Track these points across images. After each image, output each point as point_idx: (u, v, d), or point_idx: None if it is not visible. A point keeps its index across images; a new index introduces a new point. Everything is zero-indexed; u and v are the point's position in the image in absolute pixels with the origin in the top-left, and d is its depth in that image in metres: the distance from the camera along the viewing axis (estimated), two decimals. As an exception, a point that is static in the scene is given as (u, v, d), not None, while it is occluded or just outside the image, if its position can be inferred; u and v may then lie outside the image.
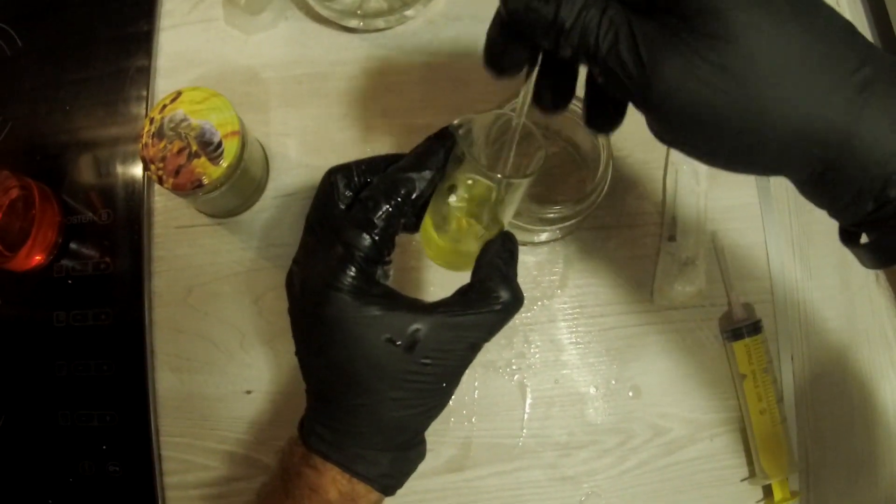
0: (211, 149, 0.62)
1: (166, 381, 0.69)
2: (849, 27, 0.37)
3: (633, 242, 0.71)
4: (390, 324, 0.44)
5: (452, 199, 0.48)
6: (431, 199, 0.48)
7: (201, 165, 0.61)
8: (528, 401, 0.68)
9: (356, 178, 0.48)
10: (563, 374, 0.69)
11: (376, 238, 0.45)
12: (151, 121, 0.62)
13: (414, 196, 0.46)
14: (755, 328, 0.68)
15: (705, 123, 0.36)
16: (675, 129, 0.39)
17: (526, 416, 0.68)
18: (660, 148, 0.72)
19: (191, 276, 0.70)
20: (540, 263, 0.70)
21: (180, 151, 0.62)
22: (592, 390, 0.69)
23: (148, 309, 0.69)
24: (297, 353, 0.49)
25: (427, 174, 0.47)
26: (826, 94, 0.35)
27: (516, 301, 0.47)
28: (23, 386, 0.70)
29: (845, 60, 0.35)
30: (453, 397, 0.66)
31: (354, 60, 0.73)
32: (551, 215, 0.62)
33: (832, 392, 0.71)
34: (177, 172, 0.61)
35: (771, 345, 0.70)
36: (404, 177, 0.46)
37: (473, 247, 0.49)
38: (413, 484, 0.65)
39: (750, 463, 0.69)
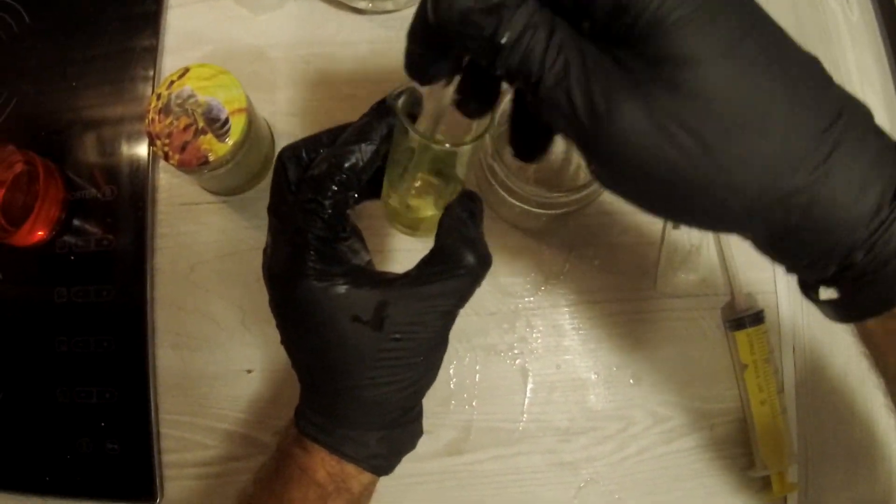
0: (217, 126, 0.62)
1: (167, 359, 0.68)
2: (824, 77, 0.34)
3: (638, 229, 0.71)
4: (355, 302, 0.43)
5: (406, 162, 0.47)
6: (387, 166, 0.48)
7: (207, 142, 0.61)
8: (530, 385, 0.68)
9: (305, 157, 0.47)
10: (564, 360, 0.69)
11: (325, 217, 0.44)
12: (158, 96, 0.62)
13: (359, 169, 0.45)
14: (757, 318, 0.68)
15: (659, 179, 0.33)
16: (624, 181, 0.36)
17: (527, 400, 0.68)
18: (666, 136, 0.72)
19: (194, 253, 0.70)
20: (544, 248, 0.70)
21: (187, 128, 0.61)
22: (594, 376, 0.69)
23: (150, 286, 0.69)
24: (282, 342, 0.49)
25: (369, 146, 0.45)
26: (794, 155, 0.32)
27: (483, 264, 0.46)
28: (22, 361, 0.69)
29: (817, 118, 0.32)
30: (453, 380, 0.67)
31: (362, 41, 0.73)
32: (556, 200, 0.62)
33: (833, 384, 0.71)
34: (182, 149, 0.61)
35: (773, 335, 0.70)
36: (345, 150, 0.45)
37: (432, 210, 0.48)
38: (411, 466, 0.65)
39: (749, 453, 0.68)
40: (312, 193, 0.44)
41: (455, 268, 0.44)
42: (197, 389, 0.68)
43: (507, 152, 0.48)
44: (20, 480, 0.68)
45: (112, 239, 0.70)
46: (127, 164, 0.71)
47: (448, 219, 0.47)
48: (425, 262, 0.45)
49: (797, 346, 0.71)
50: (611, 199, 0.71)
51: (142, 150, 0.71)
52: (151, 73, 0.72)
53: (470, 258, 0.45)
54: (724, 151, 0.32)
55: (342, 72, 0.73)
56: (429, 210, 0.49)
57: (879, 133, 0.35)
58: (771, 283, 0.71)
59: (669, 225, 0.70)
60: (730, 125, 0.32)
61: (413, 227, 0.52)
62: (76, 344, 0.69)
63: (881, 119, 0.75)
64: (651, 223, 0.71)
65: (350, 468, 0.47)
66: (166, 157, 0.61)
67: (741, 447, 0.69)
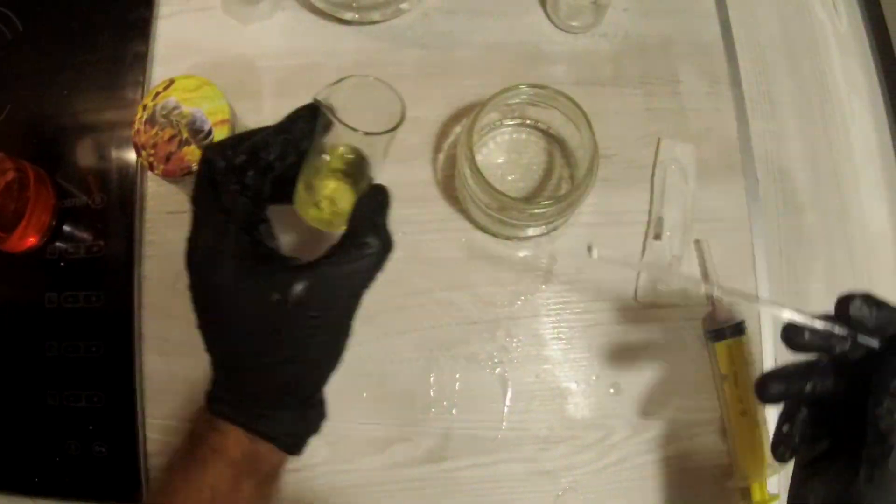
0: (201, 136, 0.63)
1: (153, 364, 0.69)
2: None
3: (619, 241, 0.71)
4: (275, 283, 0.45)
5: (324, 159, 0.51)
6: (304, 166, 0.51)
7: (191, 153, 0.62)
8: (509, 394, 0.69)
9: (229, 152, 0.49)
10: (544, 369, 0.69)
11: (248, 196, 0.48)
12: (144, 107, 0.64)
13: (275, 157, 0.49)
14: (738, 329, 0.68)
15: None
16: None
17: (506, 409, 0.69)
18: (649, 147, 0.73)
19: (181, 261, 0.69)
20: (524, 259, 0.71)
21: (171, 139, 0.63)
22: (573, 386, 0.69)
23: (138, 292, 0.70)
24: (198, 326, 0.50)
25: (286, 137, 0.50)
26: None
27: (385, 246, 0.49)
28: (13, 365, 0.71)
29: None
30: (433, 388, 0.68)
31: (348, 52, 0.74)
32: (536, 211, 0.62)
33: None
34: (167, 159, 0.62)
35: (754, 346, 0.70)
36: (264, 141, 0.49)
37: (347, 205, 0.51)
38: (392, 473, 0.67)
39: (729, 464, 0.69)
40: (235, 180, 0.47)
41: (362, 250, 0.47)
42: (182, 394, 0.69)
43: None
44: (10, 481, 0.70)
45: (102, 246, 0.71)
46: (116, 172, 0.72)
47: (358, 207, 0.50)
48: (337, 247, 0.48)
49: (779, 358, 0.71)
50: (592, 210, 0.71)
51: (131, 157, 0.72)
52: (141, 80, 0.74)
53: (374, 241, 0.48)
54: None
55: (328, 82, 0.73)
56: (342, 205, 0.52)
57: None
58: (753, 294, 0.71)
59: (651, 235, 0.70)
60: None
61: (326, 222, 0.54)
62: (66, 348, 0.70)
63: (867, 127, 0.76)
64: (632, 234, 0.71)
65: (263, 447, 0.48)
66: (151, 168, 0.62)
67: (721, 457, 0.69)
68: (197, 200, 0.49)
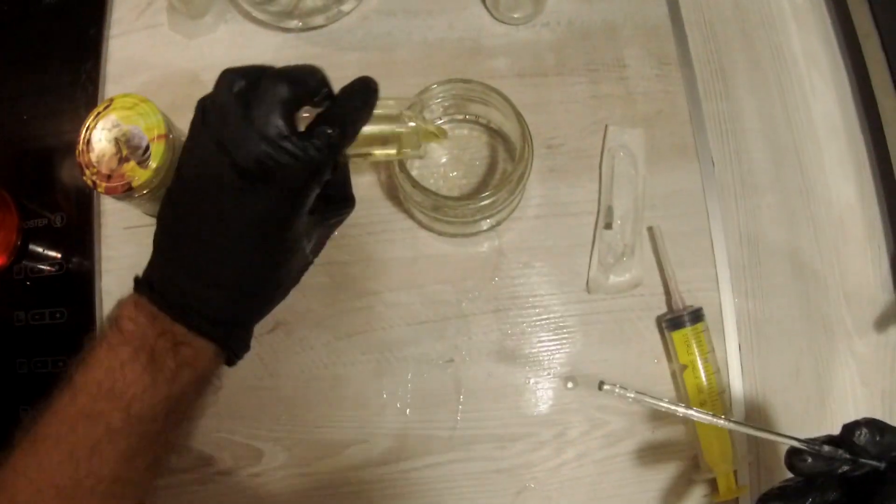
0: (140, 152, 0.64)
1: (117, 377, 0.71)
2: None
3: (569, 232, 0.70)
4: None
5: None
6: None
7: (131, 169, 0.63)
8: (462, 393, 0.68)
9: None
10: (497, 366, 0.68)
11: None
12: (87, 128, 0.65)
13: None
14: (696, 317, 0.66)
15: None
16: None
17: (460, 408, 0.68)
18: (596, 135, 0.71)
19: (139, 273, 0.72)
20: (473, 255, 0.70)
21: (112, 156, 0.64)
22: (528, 382, 0.68)
23: (99, 307, 0.72)
24: (163, 209, 0.53)
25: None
26: None
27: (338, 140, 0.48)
28: (-13, 383, 0.73)
29: None
30: (385, 390, 0.68)
31: (291, 59, 0.72)
32: (473, 205, 0.62)
33: (785, 382, 0.69)
34: (109, 177, 0.64)
35: (716, 334, 0.68)
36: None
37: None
38: (349, 475, 0.67)
39: (695, 455, 0.67)
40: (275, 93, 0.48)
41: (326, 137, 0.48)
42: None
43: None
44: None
45: (64, 263, 0.73)
46: (74, 191, 0.74)
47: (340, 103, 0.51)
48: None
49: (743, 344, 0.69)
50: (540, 202, 0.70)
51: (87, 177, 0.74)
52: (95, 100, 0.75)
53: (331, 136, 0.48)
54: None
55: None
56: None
57: None
58: (713, 280, 0.69)
59: (601, 225, 0.69)
60: None
61: None
62: (35, 365, 0.72)
63: (830, 102, 0.73)
64: (581, 225, 0.70)
65: (198, 341, 0.50)
66: (95, 186, 0.64)
67: (685, 449, 0.67)
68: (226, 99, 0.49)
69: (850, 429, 0.44)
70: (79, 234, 0.73)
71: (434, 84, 0.62)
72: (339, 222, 0.60)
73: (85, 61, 0.76)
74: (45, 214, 0.75)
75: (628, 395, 0.50)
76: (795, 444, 0.45)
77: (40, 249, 0.74)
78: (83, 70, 0.76)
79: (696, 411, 0.50)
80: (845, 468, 0.44)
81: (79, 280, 0.73)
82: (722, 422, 0.50)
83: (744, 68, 0.74)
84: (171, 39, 0.76)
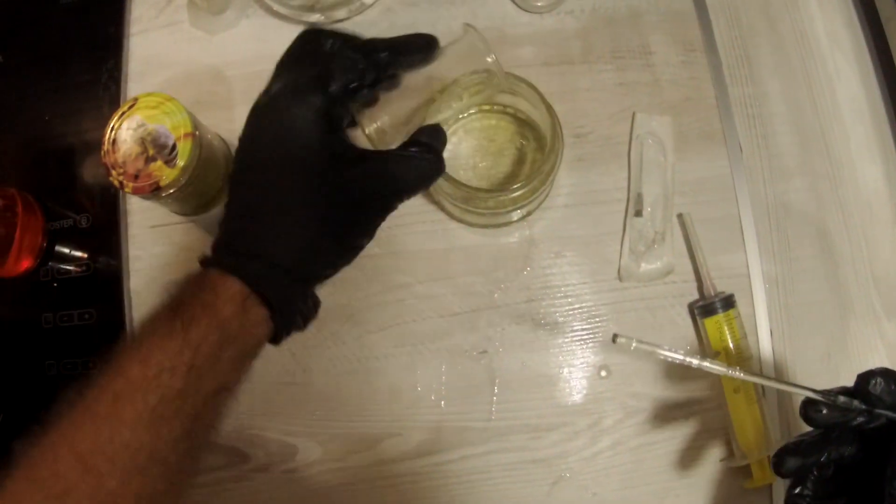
0: (166, 151, 0.63)
1: (148, 376, 0.71)
2: None
3: (599, 220, 0.70)
4: (340, 142, 0.49)
5: None
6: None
7: (158, 168, 0.63)
8: (497, 384, 0.68)
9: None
10: (530, 356, 0.68)
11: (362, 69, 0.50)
12: (112, 128, 0.65)
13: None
14: (728, 303, 0.66)
15: None
16: None
17: (495, 399, 0.68)
18: (624, 123, 0.71)
19: (167, 273, 0.72)
20: (504, 246, 0.70)
21: (138, 156, 0.63)
22: (562, 371, 0.68)
23: (128, 307, 0.72)
24: (235, 168, 0.51)
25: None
26: None
27: (437, 159, 0.52)
28: (15, 386, 0.73)
29: None
30: (420, 383, 0.68)
31: (314, 54, 0.74)
32: (504, 197, 0.62)
33: (816, 367, 0.69)
34: (136, 176, 0.63)
35: (747, 320, 0.68)
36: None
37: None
38: (383, 469, 0.67)
39: (728, 443, 0.67)
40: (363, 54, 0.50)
41: (424, 153, 0.51)
42: (177, 404, 0.70)
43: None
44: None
45: (91, 264, 0.73)
46: (99, 191, 0.74)
47: (422, 129, 0.53)
48: (398, 148, 0.52)
49: (775, 330, 0.69)
50: (569, 191, 0.70)
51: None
52: (117, 99, 0.75)
53: (434, 154, 0.51)
54: None
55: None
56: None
57: None
58: (743, 265, 0.69)
59: (631, 213, 0.69)
60: None
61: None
62: (65, 366, 0.72)
63: (854, 84, 0.73)
64: (612, 213, 0.70)
65: (255, 314, 0.47)
66: (122, 186, 0.63)
67: (719, 436, 0.67)
68: (303, 56, 0.51)
69: (864, 378, 0.43)
70: (105, 234, 0.73)
71: (463, 75, 0.62)
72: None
73: (105, 60, 0.76)
74: (70, 215, 0.74)
75: (643, 346, 0.49)
76: (810, 394, 0.45)
77: (66, 250, 0.74)
78: (104, 69, 0.76)
79: (710, 363, 0.49)
80: (861, 420, 0.44)
81: (106, 280, 0.73)
82: (736, 373, 0.49)
83: (768, 52, 0.73)
84: (193, 36, 0.75)
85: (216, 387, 0.45)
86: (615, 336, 0.49)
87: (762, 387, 0.67)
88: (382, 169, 0.49)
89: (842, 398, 0.44)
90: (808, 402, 0.45)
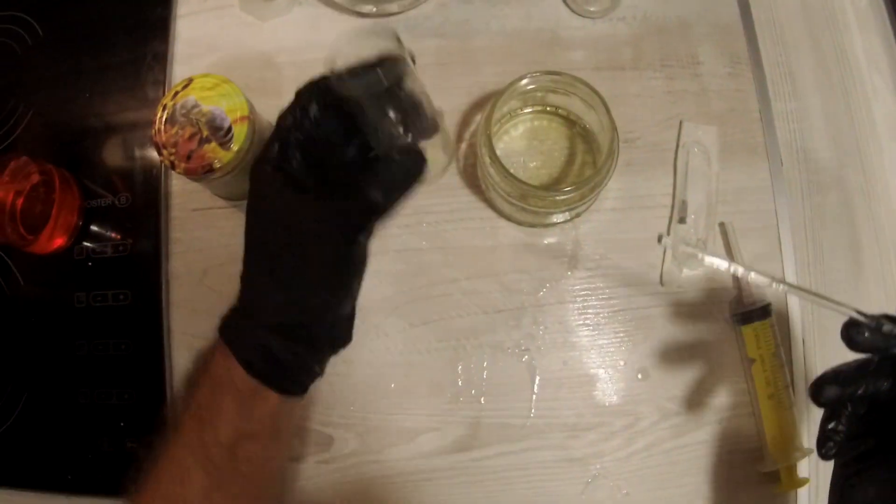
0: (221, 133, 0.63)
1: (182, 360, 0.70)
2: None
3: (644, 225, 0.71)
4: (298, 176, 0.49)
5: None
6: None
7: (212, 150, 0.62)
8: (537, 382, 0.69)
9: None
10: (571, 356, 0.69)
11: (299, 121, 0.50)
12: (164, 107, 0.64)
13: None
14: (764, 312, 0.68)
15: None
16: None
17: (534, 396, 0.69)
18: (671, 130, 0.72)
19: (207, 257, 0.72)
20: (549, 245, 0.71)
21: (192, 137, 0.63)
22: (601, 372, 0.69)
23: (165, 290, 0.71)
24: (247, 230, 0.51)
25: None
26: None
27: (417, 160, 0.50)
28: (45, 364, 0.72)
29: None
30: (461, 378, 0.68)
31: (367, 45, 0.74)
32: (558, 198, 0.62)
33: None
34: (188, 157, 0.63)
35: (782, 329, 0.69)
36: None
37: None
38: (420, 463, 0.67)
39: (758, 448, 0.68)
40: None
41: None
42: (212, 390, 0.70)
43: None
44: (44, 479, 0.71)
45: (128, 244, 0.72)
46: (140, 171, 0.73)
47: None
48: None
49: (807, 340, 0.70)
50: (616, 195, 0.71)
51: (154, 157, 0.73)
52: (162, 79, 0.74)
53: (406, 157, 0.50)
54: None
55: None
56: None
57: None
58: (779, 275, 0.71)
59: (675, 219, 0.70)
60: None
61: None
62: (96, 347, 0.71)
63: (891, 106, 0.75)
64: (656, 218, 0.71)
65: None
66: (173, 166, 0.63)
67: (750, 442, 0.69)
68: (280, 127, 0.51)
69: None
70: (144, 215, 0.72)
71: (527, 75, 0.62)
72: None
73: (150, 40, 0.75)
74: (107, 194, 0.73)
75: (688, 249, 0.50)
76: (855, 314, 0.45)
77: (103, 230, 0.73)
78: (148, 49, 0.75)
79: (756, 273, 0.50)
80: None
81: (143, 262, 0.72)
82: (777, 285, 0.50)
83: (810, 68, 0.75)
84: (243, 21, 0.75)
85: (234, 435, 0.49)
86: (660, 236, 0.50)
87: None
88: (346, 184, 0.49)
89: (886, 325, 0.44)
90: (850, 324, 0.45)
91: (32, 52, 0.77)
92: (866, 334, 0.44)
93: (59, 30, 0.78)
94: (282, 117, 0.50)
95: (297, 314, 0.49)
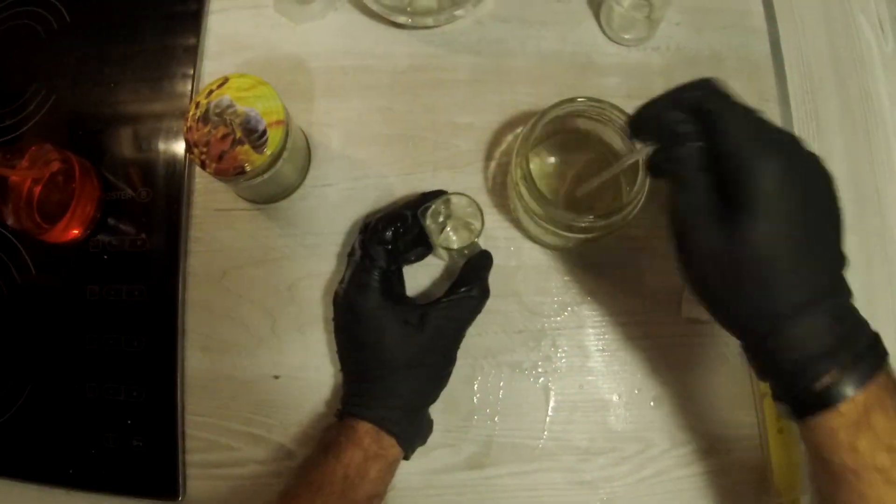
0: (255, 136, 0.62)
1: (195, 361, 0.70)
2: (839, 223, 0.49)
3: (664, 254, 0.70)
4: (405, 311, 0.62)
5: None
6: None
7: (244, 153, 0.62)
8: (552, 404, 0.69)
9: (380, 224, 0.64)
10: (587, 380, 0.70)
11: (389, 248, 0.63)
12: (197, 105, 0.63)
13: (406, 223, 0.64)
14: (780, 347, 0.69)
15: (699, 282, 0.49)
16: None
17: (548, 418, 0.69)
18: (697, 162, 0.73)
19: (226, 258, 0.71)
20: (573, 269, 0.71)
21: (224, 137, 0.62)
22: (616, 398, 0.69)
23: (182, 288, 0.70)
24: (338, 351, 0.66)
25: (411, 213, 0.64)
26: (795, 289, 0.45)
27: (484, 295, 0.64)
28: (52, 355, 0.71)
29: (824, 265, 0.47)
30: (477, 395, 0.68)
31: (402, 56, 0.74)
32: (585, 224, 0.62)
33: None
34: (220, 158, 0.62)
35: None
36: (400, 212, 0.64)
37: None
38: (432, 479, 0.67)
39: (765, 480, 0.69)
40: (379, 234, 0.63)
41: (468, 295, 0.63)
42: (224, 392, 0.69)
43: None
44: (44, 471, 0.69)
45: (146, 240, 0.71)
46: (163, 166, 0.72)
47: (467, 265, 0.66)
48: (449, 292, 0.64)
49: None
50: (639, 224, 0.71)
51: (178, 151, 0.72)
52: (190, 73, 0.73)
53: (478, 291, 0.64)
54: (747, 292, 0.46)
55: (379, 85, 0.73)
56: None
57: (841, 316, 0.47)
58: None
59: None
60: (759, 277, 0.46)
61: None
62: (106, 341, 0.70)
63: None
64: (679, 248, 0.71)
65: (386, 439, 0.60)
66: (203, 166, 0.62)
67: (757, 474, 0.69)
68: (352, 253, 0.65)
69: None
70: (165, 212, 0.71)
71: (566, 100, 0.62)
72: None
73: (181, 34, 0.74)
74: (127, 188, 0.72)
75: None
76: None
77: (120, 224, 0.72)
78: (178, 43, 0.74)
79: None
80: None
81: (161, 258, 0.71)
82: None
83: (835, 109, 0.76)
84: (276, 21, 0.74)
85: (367, 495, 0.59)
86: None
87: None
88: (444, 320, 0.62)
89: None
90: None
91: (58, 36, 0.76)
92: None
93: (87, 15, 0.76)
94: (367, 247, 0.63)
95: (422, 401, 0.63)
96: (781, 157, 0.45)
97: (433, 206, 0.64)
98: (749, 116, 0.47)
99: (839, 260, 0.48)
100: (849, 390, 0.45)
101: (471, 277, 0.64)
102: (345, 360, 0.65)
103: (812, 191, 0.47)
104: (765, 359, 0.48)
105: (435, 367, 0.63)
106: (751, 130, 0.46)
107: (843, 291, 0.48)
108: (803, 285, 0.45)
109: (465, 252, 0.66)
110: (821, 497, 0.49)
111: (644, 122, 0.51)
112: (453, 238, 0.69)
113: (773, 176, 0.45)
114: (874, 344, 0.47)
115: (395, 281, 0.65)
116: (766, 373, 0.49)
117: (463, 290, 0.63)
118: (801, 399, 0.47)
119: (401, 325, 0.61)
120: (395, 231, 0.63)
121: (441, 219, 0.67)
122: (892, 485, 0.45)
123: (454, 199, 0.65)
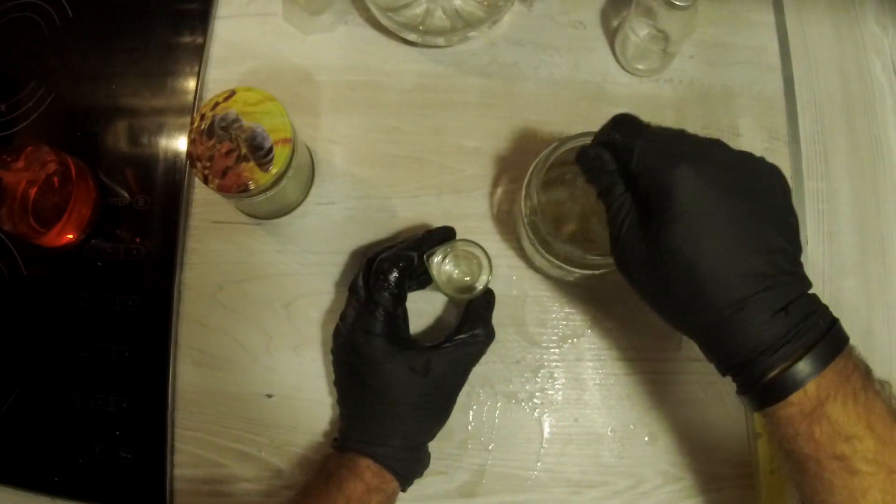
0: (261, 154, 0.61)
1: (187, 375, 0.69)
2: (784, 215, 0.49)
3: (667, 290, 0.71)
4: (411, 358, 0.61)
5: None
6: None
7: (249, 170, 0.60)
8: (546, 435, 0.69)
9: (384, 265, 0.62)
10: (583, 413, 0.69)
11: (394, 293, 0.61)
12: (202, 117, 0.61)
13: (412, 266, 0.62)
14: (776, 389, 0.69)
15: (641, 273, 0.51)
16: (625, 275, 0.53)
17: (542, 450, 0.68)
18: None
19: (223, 272, 0.70)
20: (573, 302, 0.70)
21: (229, 153, 0.60)
22: (610, 432, 0.69)
23: (176, 300, 0.69)
24: (337, 385, 0.65)
25: (416, 254, 0.63)
26: (725, 286, 0.46)
27: (489, 336, 0.64)
28: (41, 361, 0.69)
29: (756, 260, 0.46)
30: (472, 424, 0.68)
31: (411, 73, 0.73)
32: (590, 260, 0.62)
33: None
34: (223, 174, 0.60)
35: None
36: (406, 254, 0.62)
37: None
38: (423, 505, 0.67)
39: (755, 519, 0.69)
40: (384, 277, 0.61)
41: (473, 338, 0.63)
42: (215, 408, 0.68)
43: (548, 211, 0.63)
44: (28, 478, 0.68)
45: (141, 249, 0.70)
46: (162, 175, 0.71)
47: (470, 305, 0.65)
48: (453, 333, 0.63)
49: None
50: (644, 258, 0.71)
51: (179, 162, 0.71)
52: (195, 72, 0.72)
53: (482, 332, 0.63)
54: (679, 293, 0.48)
55: (387, 103, 0.72)
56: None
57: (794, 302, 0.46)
58: (792, 353, 0.71)
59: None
60: (687, 278, 0.47)
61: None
62: (97, 350, 0.69)
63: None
64: (681, 285, 0.71)
65: (387, 474, 0.60)
66: (206, 181, 0.60)
67: (747, 511, 0.70)
68: (355, 290, 0.63)
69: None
70: (162, 221, 0.70)
71: (578, 135, 0.61)
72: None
73: (186, 38, 0.73)
74: (125, 193, 0.71)
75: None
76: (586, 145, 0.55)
77: (116, 230, 0.71)
78: (182, 47, 0.73)
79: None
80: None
81: (156, 269, 0.70)
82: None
83: (844, 152, 0.76)
84: (284, 31, 0.73)
85: None
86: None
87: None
88: (448, 365, 0.62)
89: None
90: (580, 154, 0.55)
91: (59, 32, 0.74)
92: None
93: (90, 12, 0.74)
94: (373, 291, 0.62)
95: (423, 439, 0.63)
96: (686, 164, 0.47)
97: (439, 254, 0.63)
98: (655, 136, 0.50)
99: (786, 251, 0.48)
100: (800, 380, 0.45)
101: (475, 318, 0.64)
102: (345, 394, 0.64)
103: (739, 188, 0.47)
104: (716, 355, 0.50)
105: (437, 409, 0.63)
106: (654, 148, 0.49)
107: (791, 282, 0.47)
108: (735, 281, 0.46)
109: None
110: (794, 487, 0.50)
111: (584, 166, 0.54)
112: (458, 286, 0.66)
113: (679, 183, 0.46)
114: (830, 331, 0.47)
115: (400, 323, 0.64)
116: (721, 368, 0.50)
117: (467, 332, 0.63)
118: (756, 391, 0.48)
119: (406, 372, 0.60)
120: (401, 274, 0.62)
121: (447, 266, 0.66)
122: (855, 474, 0.45)
123: (461, 245, 0.64)
